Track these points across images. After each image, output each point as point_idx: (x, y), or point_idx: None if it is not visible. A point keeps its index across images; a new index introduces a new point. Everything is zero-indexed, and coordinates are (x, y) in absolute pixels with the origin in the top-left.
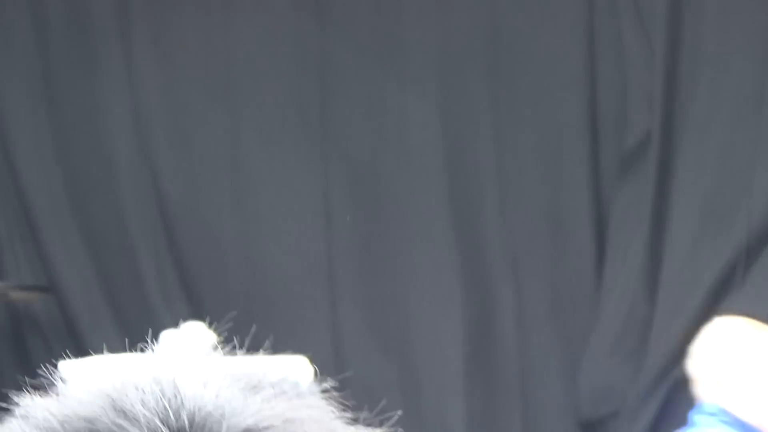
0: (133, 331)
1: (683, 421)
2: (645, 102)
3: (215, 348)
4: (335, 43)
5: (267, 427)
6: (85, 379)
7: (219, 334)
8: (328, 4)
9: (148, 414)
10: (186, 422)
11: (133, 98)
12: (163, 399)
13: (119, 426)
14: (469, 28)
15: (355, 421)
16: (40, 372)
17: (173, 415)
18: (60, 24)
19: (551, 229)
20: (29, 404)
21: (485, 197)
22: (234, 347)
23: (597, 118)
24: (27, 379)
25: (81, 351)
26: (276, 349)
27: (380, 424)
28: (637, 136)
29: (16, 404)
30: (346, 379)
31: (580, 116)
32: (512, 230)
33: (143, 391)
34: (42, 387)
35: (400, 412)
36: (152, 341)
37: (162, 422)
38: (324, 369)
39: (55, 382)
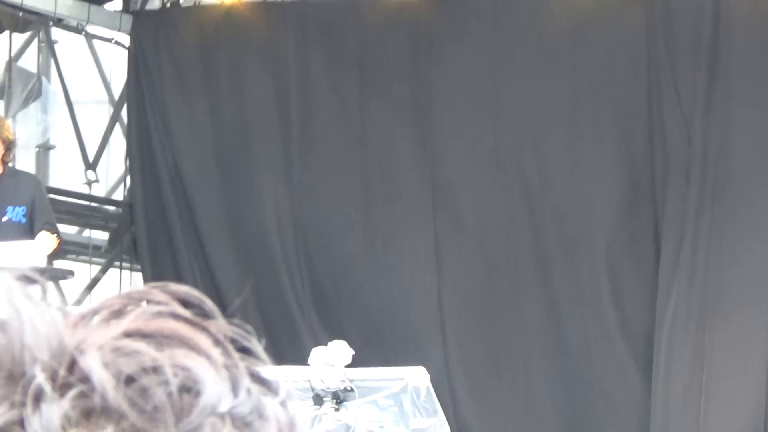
0: (286, 348)
1: None
2: (683, 175)
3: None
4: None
5: None
6: None
7: (355, 350)
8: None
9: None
10: None
11: (285, 170)
12: None
13: None
14: (552, 120)
15: None
16: None
17: None
18: (230, 113)
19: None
20: None
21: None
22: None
23: (654, 189)
24: None
25: None
26: (400, 361)
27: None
28: (676, 200)
29: None
30: (455, 384)
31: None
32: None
33: None
34: None
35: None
36: (302, 356)
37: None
38: (437, 377)
39: None
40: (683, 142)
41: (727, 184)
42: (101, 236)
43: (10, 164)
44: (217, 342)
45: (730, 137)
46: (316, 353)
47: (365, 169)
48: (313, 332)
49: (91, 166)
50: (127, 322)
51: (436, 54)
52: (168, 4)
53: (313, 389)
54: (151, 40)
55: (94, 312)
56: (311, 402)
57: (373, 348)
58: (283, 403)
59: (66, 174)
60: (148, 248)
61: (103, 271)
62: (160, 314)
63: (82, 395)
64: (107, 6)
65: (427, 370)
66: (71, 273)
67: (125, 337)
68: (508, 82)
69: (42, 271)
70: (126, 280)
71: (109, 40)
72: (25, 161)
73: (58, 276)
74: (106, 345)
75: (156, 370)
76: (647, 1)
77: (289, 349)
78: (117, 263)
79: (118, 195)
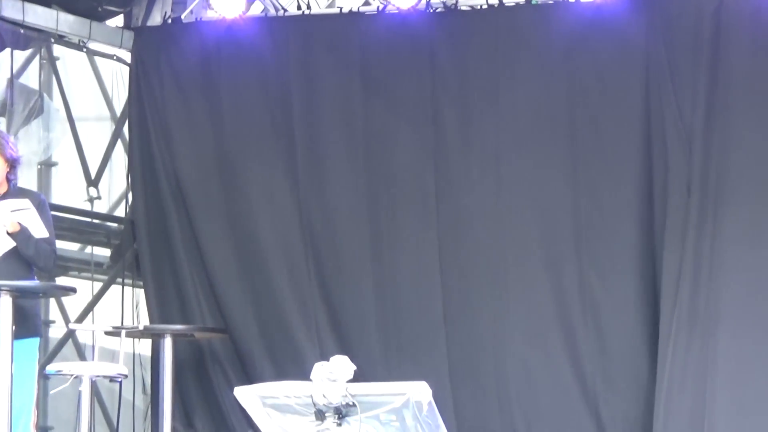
0: (287, 363)
1: None
2: (685, 186)
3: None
4: (447, 147)
5: None
6: (255, 401)
7: (357, 366)
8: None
9: None
10: None
11: (290, 185)
12: None
13: None
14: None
15: None
16: (219, 395)
17: None
18: (232, 128)
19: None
20: None
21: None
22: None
23: (653, 199)
24: (209, 400)
25: (251, 379)
26: (403, 376)
27: None
28: (677, 211)
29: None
30: (458, 398)
31: (642, 199)
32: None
33: None
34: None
35: None
36: (304, 371)
37: None
38: (439, 391)
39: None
40: (684, 152)
41: (729, 195)
42: (103, 253)
43: (15, 182)
44: None
45: (731, 148)
46: (318, 368)
47: (370, 182)
48: (318, 348)
49: (93, 182)
50: None
51: (439, 64)
52: (169, 20)
53: (315, 404)
54: (153, 56)
55: None
56: (313, 417)
57: (376, 362)
58: None
59: (68, 191)
60: (150, 265)
61: (106, 287)
62: None
63: None
64: (108, 22)
65: (429, 384)
66: (73, 290)
67: None
68: (509, 90)
69: (45, 288)
70: (128, 296)
71: (111, 57)
72: (27, 178)
73: (59, 293)
74: None
75: None
76: (647, 11)
77: (292, 365)
78: (119, 280)
79: (120, 211)
